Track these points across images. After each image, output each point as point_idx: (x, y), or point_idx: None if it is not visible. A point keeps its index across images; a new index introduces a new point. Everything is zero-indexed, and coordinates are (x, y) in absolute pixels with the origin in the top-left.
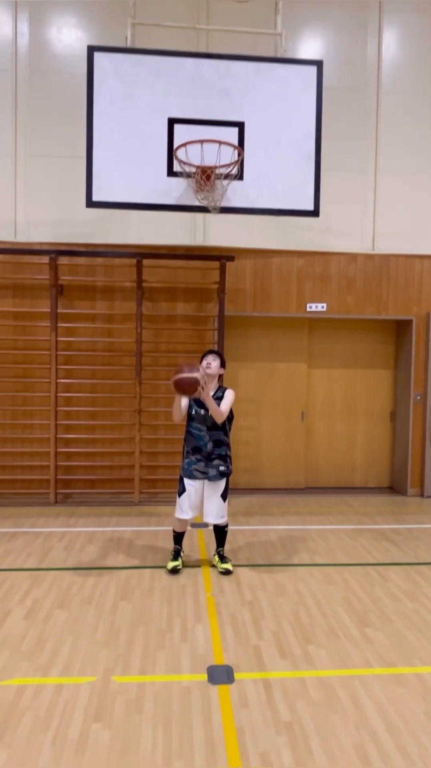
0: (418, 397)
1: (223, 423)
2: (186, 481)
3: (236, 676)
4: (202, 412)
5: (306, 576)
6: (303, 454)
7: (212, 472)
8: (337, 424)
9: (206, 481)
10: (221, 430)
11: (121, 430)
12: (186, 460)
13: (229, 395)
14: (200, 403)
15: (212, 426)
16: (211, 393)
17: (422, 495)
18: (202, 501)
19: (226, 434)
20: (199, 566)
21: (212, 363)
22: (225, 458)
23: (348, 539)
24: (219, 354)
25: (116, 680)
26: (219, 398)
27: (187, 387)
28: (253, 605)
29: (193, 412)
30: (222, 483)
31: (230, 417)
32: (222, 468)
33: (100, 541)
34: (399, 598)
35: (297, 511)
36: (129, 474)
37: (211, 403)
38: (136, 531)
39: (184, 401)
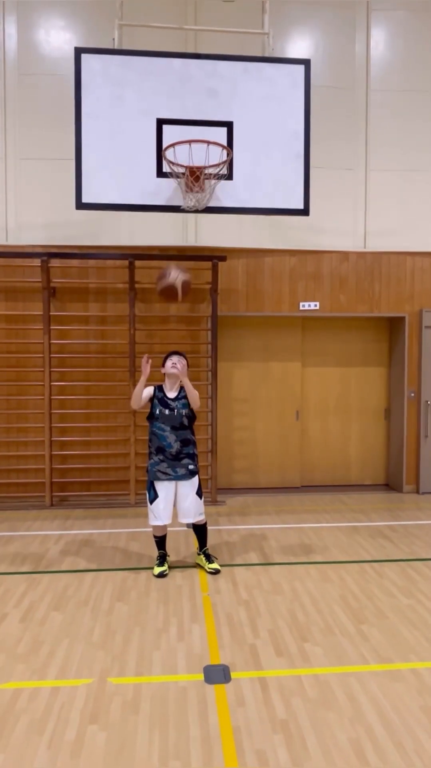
0: (412, 394)
1: (189, 422)
2: (156, 485)
3: (232, 675)
4: (167, 411)
5: (302, 574)
6: (298, 452)
7: (181, 471)
8: (332, 423)
9: (177, 482)
10: (188, 428)
11: (115, 432)
12: (149, 462)
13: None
14: (164, 403)
15: (179, 426)
16: (175, 394)
17: (417, 491)
18: (174, 504)
19: (192, 433)
20: (195, 567)
21: (177, 363)
22: (194, 457)
23: (343, 537)
24: (183, 355)
25: (112, 681)
26: (183, 397)
27: (171, 292)
28: (249, 604)
29: (157, 411)
30: (196, 481)
31: (193, 416)
32: (191, 467)
33: (95, 543)
34: (394, 595)
35: (293, 509)
36: (124, 476)
37: (188, 383)
38: (132, 532)
39: (147, 390)
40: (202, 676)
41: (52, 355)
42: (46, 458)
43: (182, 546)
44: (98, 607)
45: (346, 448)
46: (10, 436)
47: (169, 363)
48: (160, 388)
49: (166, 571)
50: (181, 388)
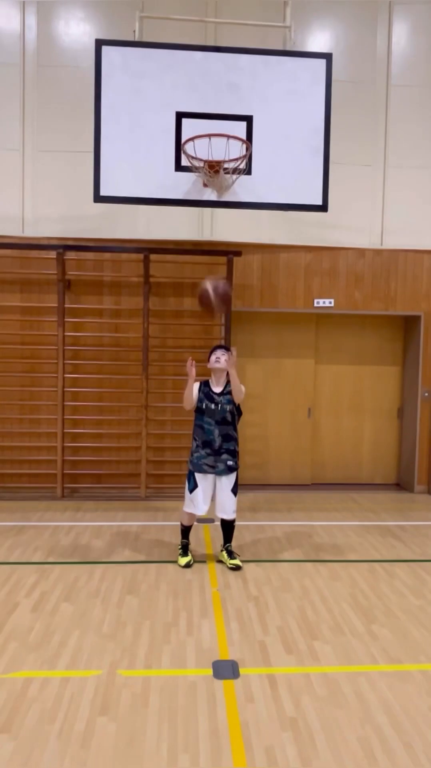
0: (426, 394)
1: (233, 418)
2: (197, 476)
3: (241, 671)
4: (212, 406)
5: (311, 572)
6: (309, 450)
7: (221, 466)
8: (344, 421)
9: (217, 476)
10: (231, 424)
11: (127, 425)
12: (195, 455)
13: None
14: (210, 397)
15: (221, 420)
16: (221, 389)
17: (429, 492)
18: (212, 496)
19: (235, 429)
20: (205, 561)
21: (221, 358)
22: (234, 453)
23: (354, 535)
24: (228, 349)
25: (122, 674)
26: (229, 393)
27: (222, 299)
28: (259, 600)
29: (203, 406)
30: (233, 477)
31: (239, 412)
32: (230, 463)
33: (106, 535)
34: (404, 595)
35: (304, 507)
36: (135, 469)
37: (234, 376)
38: (143, 525)
39: (195, 386)
40: (210, 671)
41: (65, 348)
42: (58, 450)
43: (192, 541)
44: (108, 599)
45: (358, 446)
46: (23, 426)
47: (213, 357)
48: (206, 383)
49: (191, 560)
50: (227, 384)
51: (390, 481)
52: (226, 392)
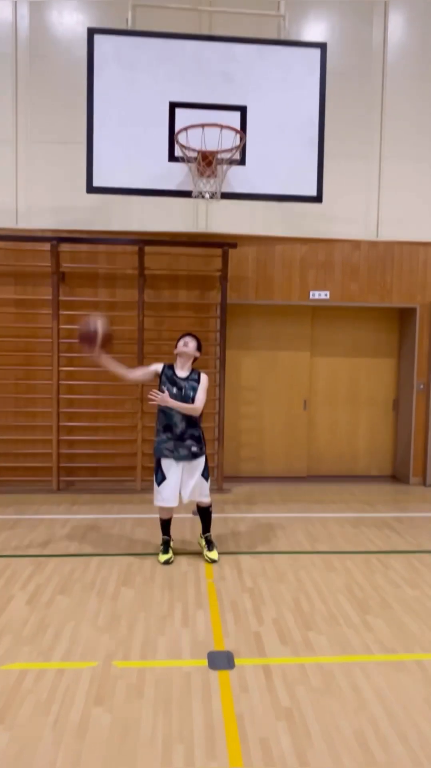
0: (421, 386)
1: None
2: (164, 466)
3: (236, 661)
4: (174, 390)
5: (307, 563)
6: (305, 442)
7: (183, 452)
8: (340, 413)
9: (184, 463)
10: None
11: (123, 418)
12: (157, 439)
13: (204, 382)
14: (173, 381)
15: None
16: (186, 374)
17: (424, 484)
18: (180, 486)
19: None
20: (200, 553)
21: (189, 343)
22: (199, 439)
23: (349, 527)
24: (196, 337)
25: (117, 665)
26: (194, 380)
27: (85, 338)
28: (254, 592)
29: (164, 389)
30: (202, 461)
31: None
32: (194, 449)
33: (101, 528)
34: (400, 586)
35: (299, 499)
36: (131, 462)
37: (179, 406)
38: (138, 518)
39: (156, 365)
40: (205, 662)
41: (60, 340)
42: (54, 443)
43: (188, 533)
44: (104, 592)
45: (354, 438)
46: (18, 420)
47: (180, 343)
48: (170, 366)
49: (171, 558)
50: (192, 370)
51: (385, 473)
52: (191, 378)
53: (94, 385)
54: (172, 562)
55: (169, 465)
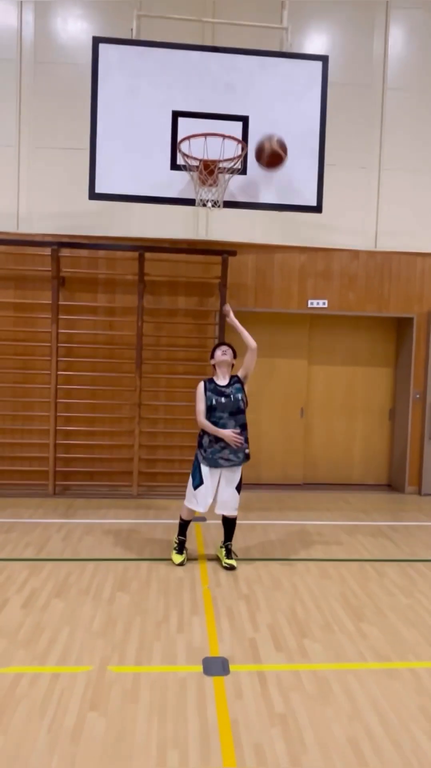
0: (418, 396)
1: (245, 406)
2: (205, 472)
3: (231, 668)
4: (223, 399)
5: (302, 570)
6: (301, 450)
7: (240, 456)
8: (336, 421)
9: (223, 471)
10: (243, 413)
11: (120, 423)
12: (209, 450)
13: (244, 379)
14: (219, 392)
15: (236, 410)
16: (227, 382)
17: (419, 493)
18: (215, 494)
19: (245, 417)
20: (197, 559)
21: (227, 351)
22: (247, 441)
23: (345, 535)
24: (231, 345)
25: (112, 670)
26: (236, 383)
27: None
28: (250, 598)
29: (213, 402)
30: (239, 472)
31: (246, 402)
32: (247, 450)
33: (98, 532)
34: (394, 594)
35: (295, 506)
36: (128, 467)
37: (240, 326)
38: (134, 523)
39: (199, 390)
40: (200, 668)
41: (59, 345)
42: (50, 447)
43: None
44: (99, 596)
45: (350, 447)
46: (15, 423)
47: (218, 352)
48: (209, 381)
49: (185, 560)
50: (232, 376)
51: (381, 482)
52: (233, 383)
53: (91, 390)
54: (185, 564)
55: (208, 471)
